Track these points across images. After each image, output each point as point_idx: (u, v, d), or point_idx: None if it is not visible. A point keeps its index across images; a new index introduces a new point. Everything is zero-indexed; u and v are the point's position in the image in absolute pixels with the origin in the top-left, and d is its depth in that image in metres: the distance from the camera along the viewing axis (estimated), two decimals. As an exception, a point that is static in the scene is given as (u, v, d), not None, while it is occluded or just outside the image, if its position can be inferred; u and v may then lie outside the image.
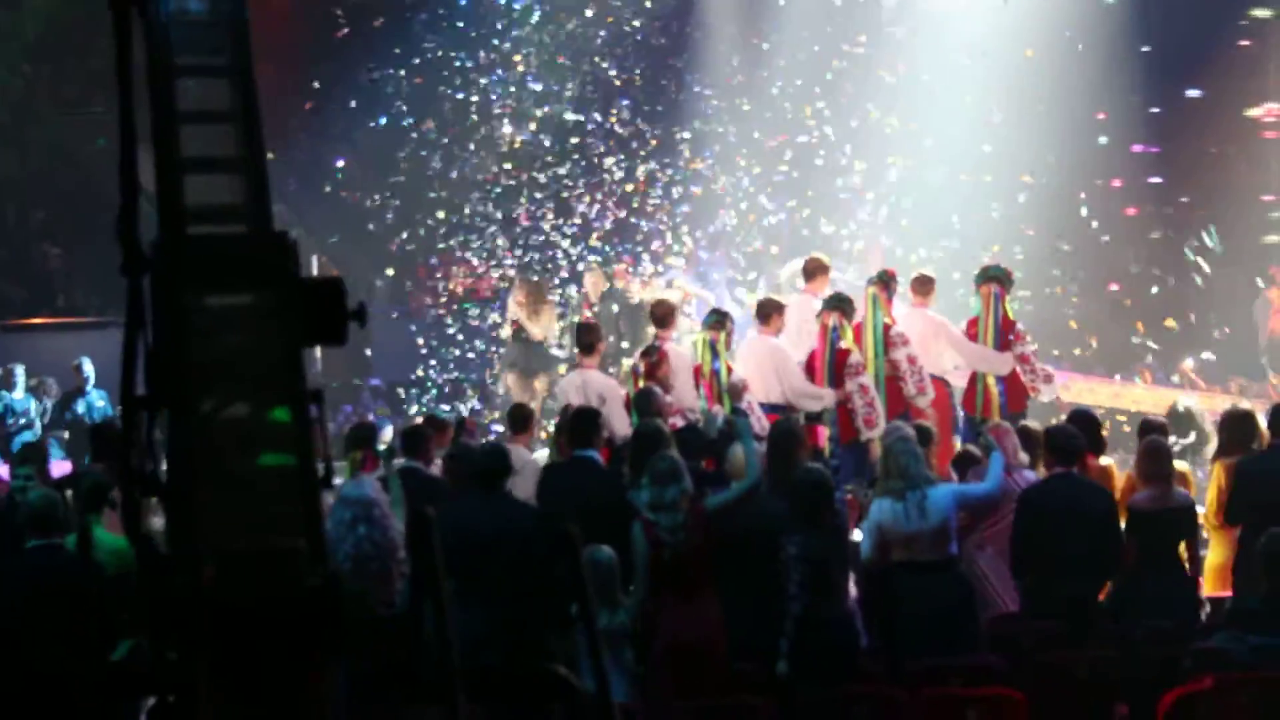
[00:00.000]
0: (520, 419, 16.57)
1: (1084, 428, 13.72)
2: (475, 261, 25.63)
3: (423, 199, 25.95)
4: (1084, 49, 26.06)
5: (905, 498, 11.83)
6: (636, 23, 26.95)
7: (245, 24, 5.50)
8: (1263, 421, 13.98)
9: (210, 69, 5.50)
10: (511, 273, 22.67)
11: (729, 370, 17.30)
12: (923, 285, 19.27)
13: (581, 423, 13.73)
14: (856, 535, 13.00)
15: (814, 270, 18.89)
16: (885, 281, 18.52)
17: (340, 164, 25.56)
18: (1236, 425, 14.13)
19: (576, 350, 18.23)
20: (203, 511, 5.39)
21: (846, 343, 17.62)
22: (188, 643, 5.49)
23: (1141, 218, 27.17)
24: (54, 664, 10.60)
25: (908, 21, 27.49)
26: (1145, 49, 26.86)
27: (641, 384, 16.70)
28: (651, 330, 18.64)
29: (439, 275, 25.89)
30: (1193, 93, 27.14)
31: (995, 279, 18.94)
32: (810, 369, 17.80)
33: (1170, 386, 22.69)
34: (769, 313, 18.13)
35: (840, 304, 17.93)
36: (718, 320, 17.82)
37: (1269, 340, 25.10)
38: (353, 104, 25.78)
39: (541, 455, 16.30)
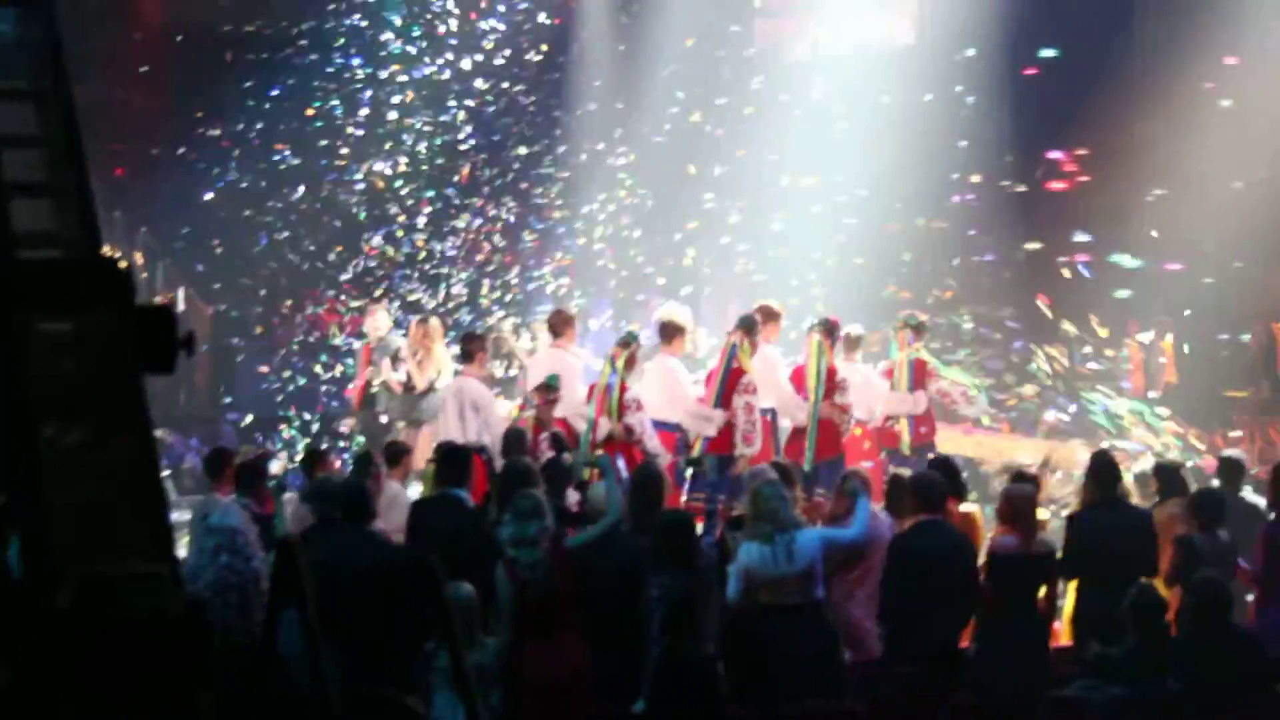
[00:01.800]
0: (394, 454, 16.53)
1: (945, 473, 13.74)
2: (336, 296, 25.53)
3: (293, 231, 25.81)
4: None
5: (774, 541, 11.68)
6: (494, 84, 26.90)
7: (57, 48, 5.43)
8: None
9: (18, 93, 5.41)
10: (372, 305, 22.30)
11: (622, 389, 17.34)
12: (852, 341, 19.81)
13: (450, 461, 13.69)
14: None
15: (672, 333, 18.82)
16: (829, 329, 19.10)
17: (209, 196, 25.22)
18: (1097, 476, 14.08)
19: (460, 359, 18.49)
20: (54, 537, 5.29)
21: (741, 363, 17.85)
22: (47, 669, 5.37)
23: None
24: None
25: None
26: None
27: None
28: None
29: (305, 309, 25.69)
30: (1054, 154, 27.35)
31: (913, 328, 19.97)
32: (707, 384, 18.17)
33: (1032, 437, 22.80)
34: (671, 334, 18.38)
35: (747, 325, 18.32)
36: (625, 340, 18.04)
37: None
38: (219, 134, 25.53)
39: (415, 491, 16.20)
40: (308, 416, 24.29)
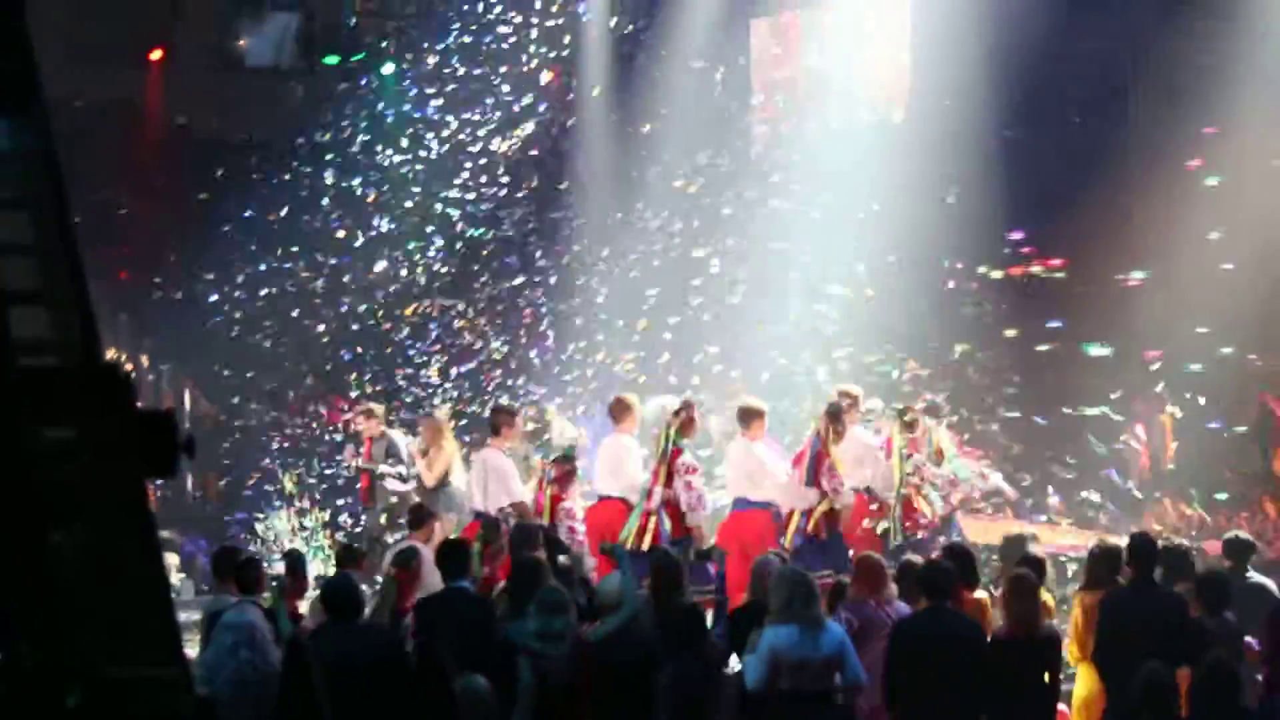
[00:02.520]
0: (417, 519, 16.90)
1: (958, 562, 13.76)
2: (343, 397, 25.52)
3: (298, 333, 25.85)
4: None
5: (804, 626, 11.74)
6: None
7: (51, 157, 5.45)
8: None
9: (13, 201, 5.44)
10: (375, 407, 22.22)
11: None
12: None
13: (452, 555, 13.66)
14: (734, 665, 12.85)
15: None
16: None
17: (214, 299, 25.25)
18: (1102, 560, 14.09)
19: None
20: (63, 641, 5.32)
21: (679, 444, 18.24)
22: None
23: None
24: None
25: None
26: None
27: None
28: None
29: (310, 410, 25.65)
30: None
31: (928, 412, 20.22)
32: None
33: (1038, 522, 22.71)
34: (619, 413, 19.05)
35: (683, 408, 18.68)
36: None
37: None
38: (227, 236, 25.58)
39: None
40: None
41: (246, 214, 25.81)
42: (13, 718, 5.46)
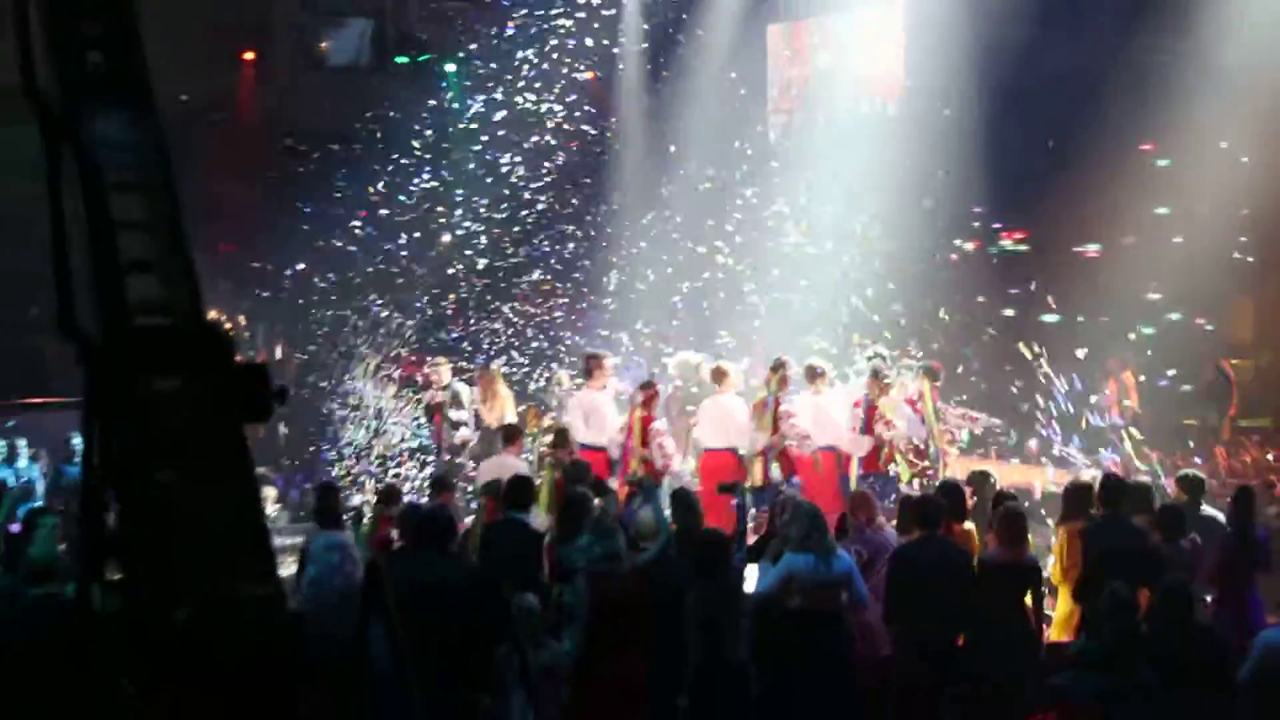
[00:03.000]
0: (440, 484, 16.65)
1: (950, 497, 13.84)
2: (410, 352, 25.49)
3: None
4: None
5: (819, 554, 11.79)
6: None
7: (162, 144, 5.50)
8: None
9: (129, 185, 5.47)
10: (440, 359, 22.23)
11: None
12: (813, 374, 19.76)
13: (516, 488, 13.83)
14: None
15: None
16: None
17: (300, 267, 25.24)
18: (1076, 495, 14.19)
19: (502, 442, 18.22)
20: (173, 564, 5.35)
21: (649, 412, 18.84)
22: (168, 681, 5.41)
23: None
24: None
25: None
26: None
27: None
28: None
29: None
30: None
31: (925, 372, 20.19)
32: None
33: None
34: (590, 369, 19.53)
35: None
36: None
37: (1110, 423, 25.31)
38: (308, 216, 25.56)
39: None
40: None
41: (337, 190, 25.84)
42: (129, 628, 5.50)
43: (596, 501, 13.96)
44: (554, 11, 26.80)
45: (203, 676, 5.34)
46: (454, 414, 20.78)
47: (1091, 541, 13.33)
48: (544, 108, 26.74)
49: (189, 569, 5.37)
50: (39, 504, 19.17)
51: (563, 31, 26.90)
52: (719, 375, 19.48)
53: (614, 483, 17.42)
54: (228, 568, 5.40)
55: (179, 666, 5.33)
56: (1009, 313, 26.87)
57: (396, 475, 21.43)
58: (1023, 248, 27.32)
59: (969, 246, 27.00)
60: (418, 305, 25.88)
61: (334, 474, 21.67)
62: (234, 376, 5.31)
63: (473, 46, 27.55)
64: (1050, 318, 26.42)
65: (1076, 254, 27.06)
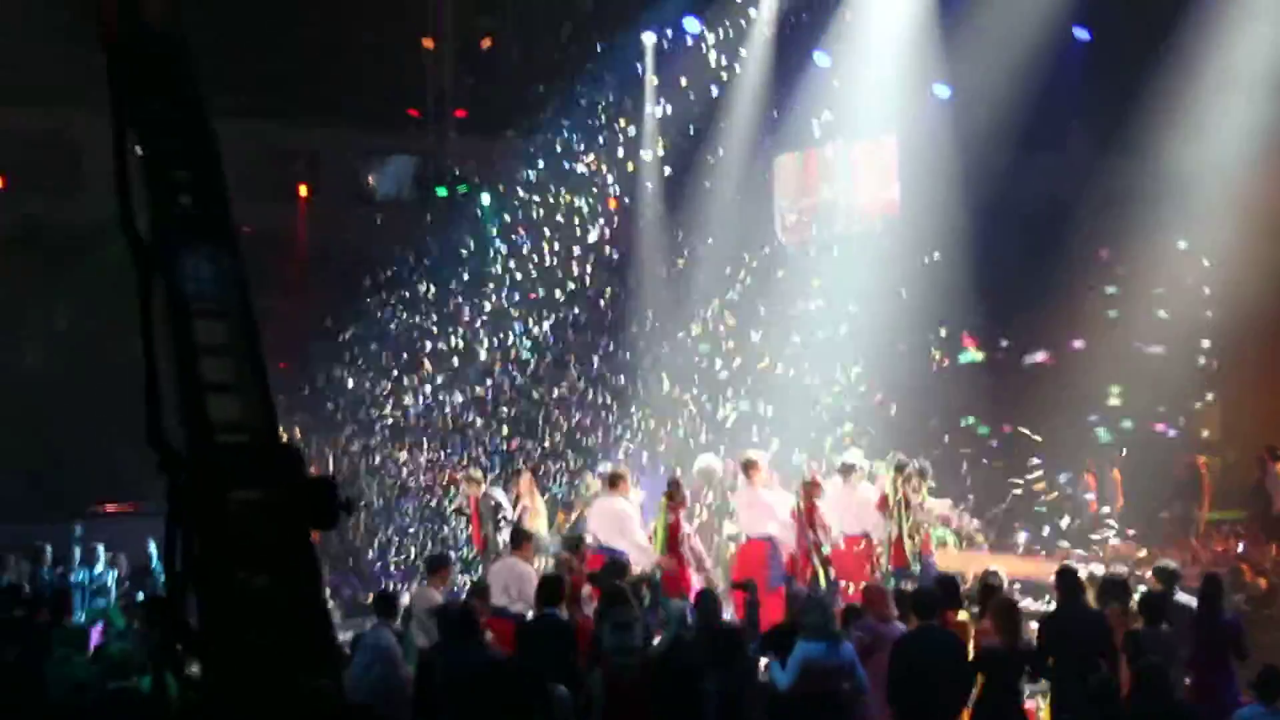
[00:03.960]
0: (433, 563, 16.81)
1: (945, 589, 13.89)
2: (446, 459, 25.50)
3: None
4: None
5: (829, 641, 11.87)
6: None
7: (243, 279, 5.65)
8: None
9: (219, 314, 5.62)
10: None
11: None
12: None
13: (547, 586, 13.76)
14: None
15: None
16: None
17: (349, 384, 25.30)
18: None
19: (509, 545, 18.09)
20: (245, 660, 5.44)
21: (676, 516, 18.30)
22: None
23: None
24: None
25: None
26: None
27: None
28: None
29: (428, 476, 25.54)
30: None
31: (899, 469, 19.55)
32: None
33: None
34: (615, 480, 18.65)
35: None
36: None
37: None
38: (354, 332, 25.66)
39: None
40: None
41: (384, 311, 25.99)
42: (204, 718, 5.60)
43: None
44: (579, 147, 27.04)
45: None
46: (498, 515, 20.70)
47: (1049, 627, 13.31)
48: (573, 229, 26.95)
49: (260, 663, 5.47)
50: (115, 605, 19.27)
51: (588, 166, 27.11)
52: (749, 466, 19.35)
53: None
54: (292, 661, 5.51)
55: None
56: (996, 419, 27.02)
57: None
58: (996, 355, 27.51)
59: (974, 353, 27.11)
60: (460, 415, 25.98)
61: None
62: (304, 489, 5.42)
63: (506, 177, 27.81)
64: (1026, 430, 26.54)
65: (1055, 359, 27.26)
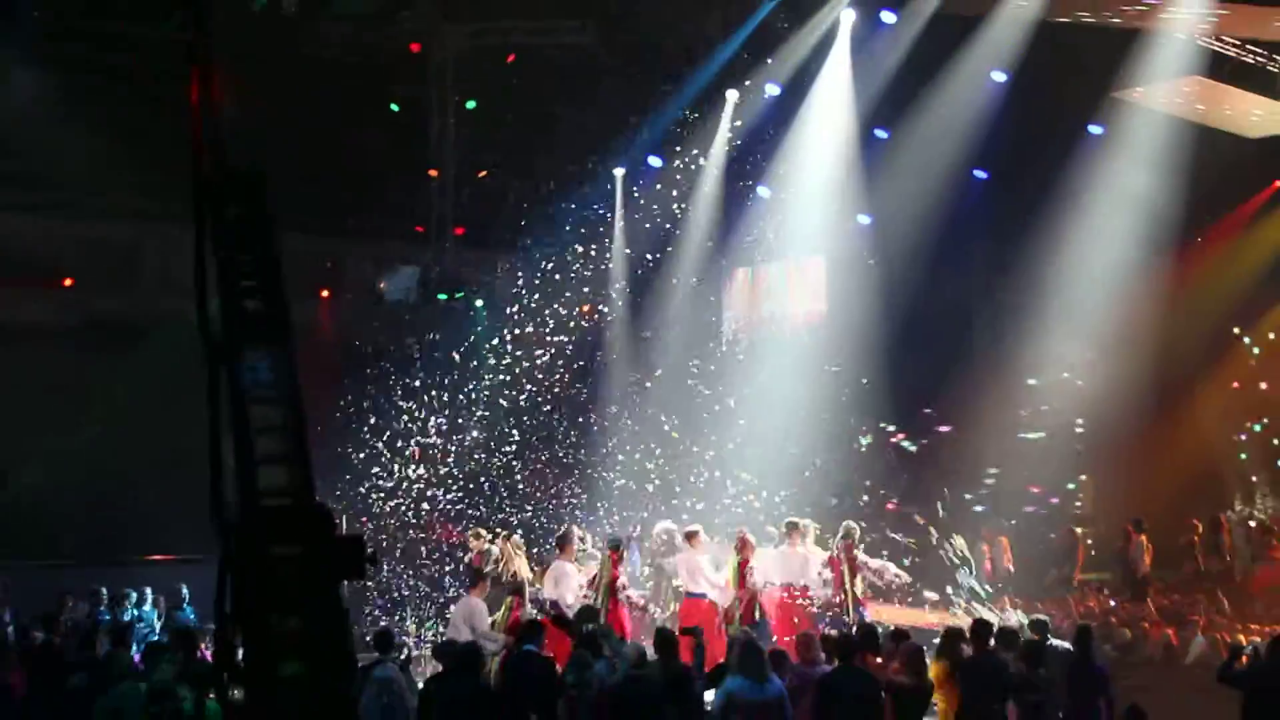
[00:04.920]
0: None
1: (865, 635, 13.95)
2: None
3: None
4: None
5: (754, 680, 11.81)
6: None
7: (294, 369, 5.76)
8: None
9: (274, 400, 5.72)
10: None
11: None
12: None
13: (528, 628, 13.75)
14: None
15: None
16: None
17: (361, 456, 25.14)
18: (949, 638, 14.24)
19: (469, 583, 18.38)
20: (274, 692, 5.47)
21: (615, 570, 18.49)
22: None
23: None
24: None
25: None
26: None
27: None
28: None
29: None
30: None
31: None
32: None
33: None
34: (562, 544, 19.08)
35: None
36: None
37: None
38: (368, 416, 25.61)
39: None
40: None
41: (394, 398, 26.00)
42: None
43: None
44: (563, 255, 27.20)
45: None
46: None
47: (966, 672, 13.37)
48: (549, 330, 27.04)
49: (291, 691, 5.54)
50: (159, 640, 19.25)
51: (568, 275, 27.27)
52: (690, 536, 19.50)
53: None
54: (312, 693, 5.58)
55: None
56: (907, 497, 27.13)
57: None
58: (913, 446, 27.58)
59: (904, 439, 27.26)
60: (454, 485, 25.94)
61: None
62: (337, 546, 5.51)
63: (496, 284, 27.95)
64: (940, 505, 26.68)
65: (960, 448, 27.41)
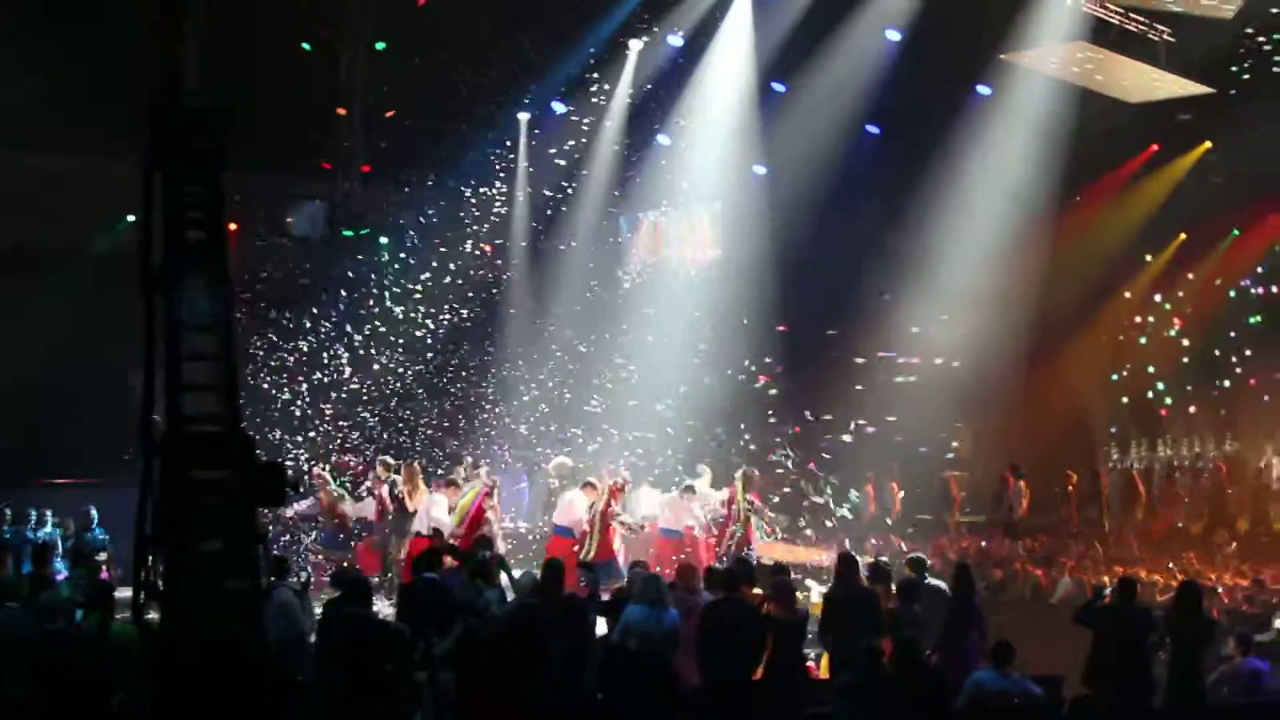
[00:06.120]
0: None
1: (743, 569, 14.14)
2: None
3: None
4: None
5: (652, 608, 12.03)
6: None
7: (231, 301, 5.84)
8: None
9: (208, 328, 5.79)
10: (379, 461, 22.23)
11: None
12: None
13: (425, 556, 13.75)
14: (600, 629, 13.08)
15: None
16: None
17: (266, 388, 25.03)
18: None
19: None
20: (189, 610, 5.57)
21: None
22: (173, 692, 5.64)
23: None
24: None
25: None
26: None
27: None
28: None
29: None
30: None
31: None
32: None
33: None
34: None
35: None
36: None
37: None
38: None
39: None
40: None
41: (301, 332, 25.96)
42: (156, 649, 5.77)
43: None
44: (467, 195, 27.17)
45: (195, 692, 5.63)
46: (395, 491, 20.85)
47: (835, 601, 13.59)
48: (453, 267, 27.05)
49: (199, 606, 5.67)
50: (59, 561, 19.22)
51: (472, 211, 27.27)
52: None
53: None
54: (225, 607, 5.72)
55: (188, 672, 5.62)
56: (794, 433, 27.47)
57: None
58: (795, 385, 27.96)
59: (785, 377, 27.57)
60: (362, 417, 25.97)
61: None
62: (259, 471, 5.62)
63: (401, 222, 27.84)
64: (825, 440, 27.07)
65: (843, 389, 27.81)
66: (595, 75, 27.00)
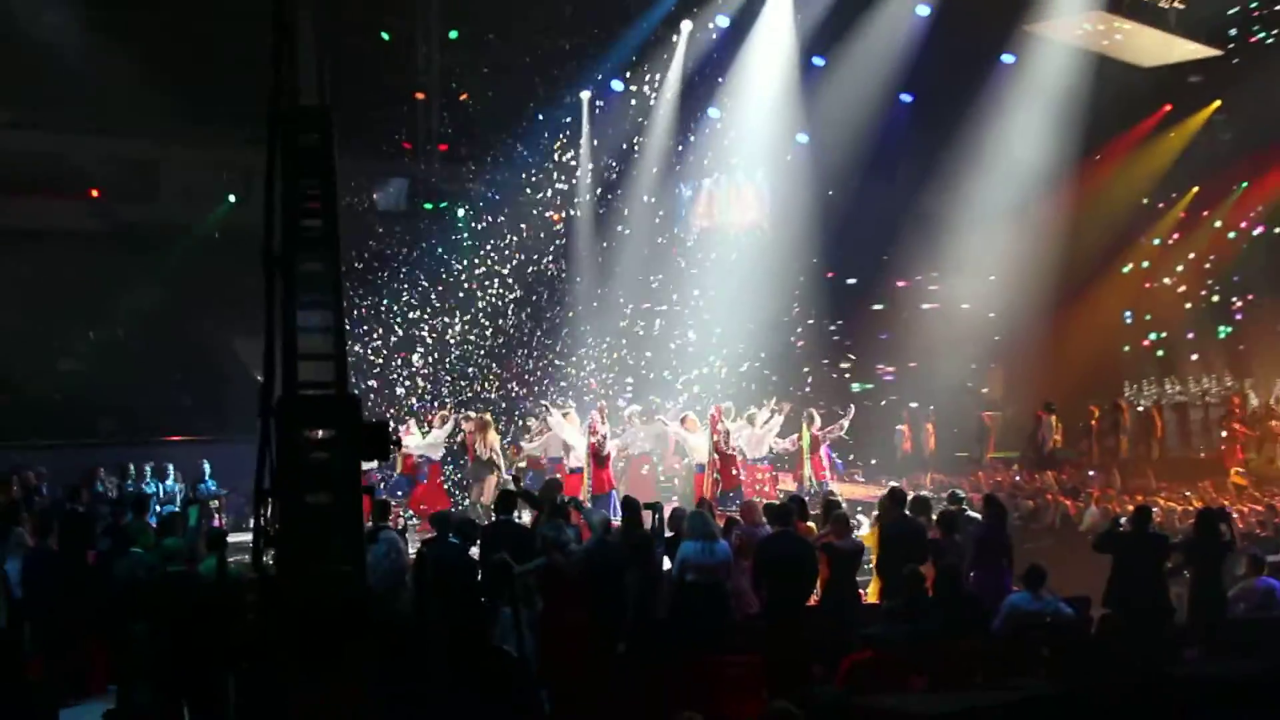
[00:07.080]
0: None
1: (798, 503, 14.13)
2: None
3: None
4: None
5: (704, 542, 12.00)
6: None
7: (340, 279, 5.90)
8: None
9: (320, 304, 5.86)
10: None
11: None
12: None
13: (505, 499, 13.60)
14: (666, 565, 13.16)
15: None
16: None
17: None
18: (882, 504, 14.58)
19: None
20: (306, 554, 5.65)
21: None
22: (282, 630, 5.71)
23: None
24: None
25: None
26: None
27: None
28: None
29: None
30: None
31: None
32: None
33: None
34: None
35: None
36: None
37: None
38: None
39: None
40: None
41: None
42: (273, 594, 5.86)
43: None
44: (534, 170, 27.22)
45: (302, 628, 5.72)
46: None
47: (885, 533, 13.74)
48: (520, 238, 27.13)
49: (315, 555, 5.77)
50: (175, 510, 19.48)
51: (539, 183, 27.31)
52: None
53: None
54: (335, 555, 5.82)
55: (297, 617, 5.71)
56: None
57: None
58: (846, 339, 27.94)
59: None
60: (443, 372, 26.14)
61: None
62: (366, 430, 5.70)
63: (478, 195, 27.94)
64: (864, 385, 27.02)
65: (878, 339, 27.84)
66: (649, 56, 26.92)
